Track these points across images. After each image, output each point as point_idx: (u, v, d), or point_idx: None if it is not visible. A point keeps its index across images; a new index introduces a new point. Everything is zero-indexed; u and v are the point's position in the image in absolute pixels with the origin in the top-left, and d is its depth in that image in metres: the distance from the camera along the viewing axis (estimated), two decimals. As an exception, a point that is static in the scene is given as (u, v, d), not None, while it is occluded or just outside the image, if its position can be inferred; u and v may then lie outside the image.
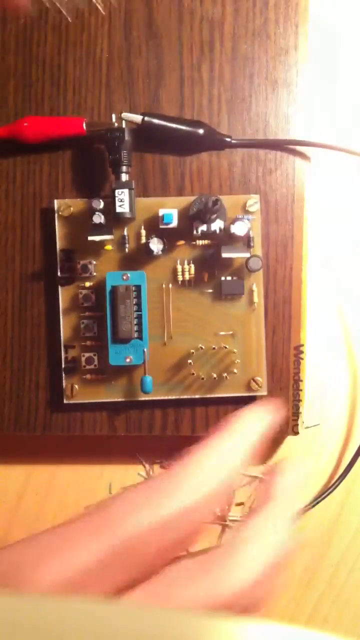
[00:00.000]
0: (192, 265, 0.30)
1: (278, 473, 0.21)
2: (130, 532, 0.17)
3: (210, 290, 0.30)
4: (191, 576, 0.18)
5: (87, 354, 0.29)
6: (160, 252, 0.29)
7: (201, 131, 0.30)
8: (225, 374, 0.30)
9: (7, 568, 0.17)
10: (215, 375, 0.30)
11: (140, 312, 0.29)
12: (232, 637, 0.13)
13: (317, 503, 0.33)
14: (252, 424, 0.21)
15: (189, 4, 0.30)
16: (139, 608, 0.15)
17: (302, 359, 0.31)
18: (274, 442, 0.33)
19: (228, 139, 0.30)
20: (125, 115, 0.29)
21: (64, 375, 0.30)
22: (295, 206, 0.30)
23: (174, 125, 0.29)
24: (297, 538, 0.20)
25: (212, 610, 0.18)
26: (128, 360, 0.29)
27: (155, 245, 0.29)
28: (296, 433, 0.31)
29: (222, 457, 0.20)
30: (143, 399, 0.30)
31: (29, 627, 0.12)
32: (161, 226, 0.29)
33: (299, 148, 0.30)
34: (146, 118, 0.29)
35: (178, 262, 0.30)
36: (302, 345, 0.31)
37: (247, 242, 0.29)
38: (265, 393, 0.30)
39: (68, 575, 0.17)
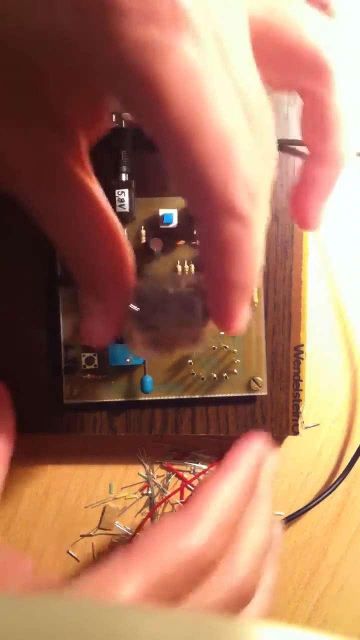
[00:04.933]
0: (192, 265, 0.30)
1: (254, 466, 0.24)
2: (164, 568, 0.19)
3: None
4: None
5: (87, 354, 0.29)
6: (160, 252, 0.29)
7: (201, 131, 0.30)
8: (225, 374, 0.30)
9: None
10: (215, 375, 0.30)
11: (140, 312, 0.29)
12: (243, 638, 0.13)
13: (317, 503, 0.33)
14: (254, 463, 0.23)
15: None
16: (149, 610, 0.15)
17: (302, 359, 0.31)
18: (274, 442, 0.33)
19: (228, 139, 0.30)
20: (125, 115, 0.29)
21: (64, 375, 0.30)
22: (295, 206, 0.30)
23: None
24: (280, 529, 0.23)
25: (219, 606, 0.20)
26: (128, 360, 0.29)
27: (155, 246, 0.29)
28: (296, 433, 0.31)
29: (229, 495, 0.22)
30: (143, 399, 0.30)
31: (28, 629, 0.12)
32: (161, 226, 0.29)
33: (299, 148, 0.30)
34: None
35: (178, 262, 0.30)
36: (302, 345, 0.31)
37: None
38: (265, 393, 0.30)
39: None
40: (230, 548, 0.22)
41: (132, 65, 0.16)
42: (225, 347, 0.30)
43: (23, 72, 0.18)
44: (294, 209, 0.24)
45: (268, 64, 0.20)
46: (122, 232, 0.21)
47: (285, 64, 0.20)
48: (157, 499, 0.33)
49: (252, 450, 0.24)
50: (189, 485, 0.33)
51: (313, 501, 0.33)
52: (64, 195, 0.20)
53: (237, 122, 0.17)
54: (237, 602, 0.22)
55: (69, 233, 0.21)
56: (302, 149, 0.30)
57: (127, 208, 0.28)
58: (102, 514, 0.33)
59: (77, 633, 0.12)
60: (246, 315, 0.20)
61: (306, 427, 0.33)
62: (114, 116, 0.29)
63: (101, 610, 0.13)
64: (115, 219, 0.21)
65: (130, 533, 0.33)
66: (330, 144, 0.22)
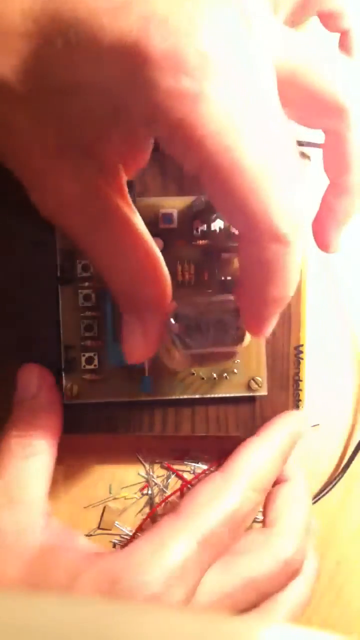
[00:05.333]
0: (192, 265, 0.30)
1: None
2: (210, 526, 0.23)
3: (211, 290, 0.30)
4: (257, 547, 0.25)
5: (87, 354, 0.29)
6: (160, 252, 0.29)
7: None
8: (225, 374, 0.30)
9: (118, 575, 0.22)
10: (215, 375, 0.30)
11: (140, 312, 0.29)
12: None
13: (316, 502, 0.33)
14: (289, 434, 0.28)
15: None
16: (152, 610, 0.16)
17: (302, 359, 0.31)
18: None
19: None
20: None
21: (64, 375, 0.30)
22: (295, 206, 0.30)
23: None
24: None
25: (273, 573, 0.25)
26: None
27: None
28: (296, 433, 0.31)
29: (263, 458, 0.27)
30: (143, 399, 0.30)
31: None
32: (161, 226, 0.29)
33: (298, 148, 0.30)
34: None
35: (178, 262, 0.30)
36: (302, 345, 0.31)
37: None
38: (265, 393, 0.30)
39: (173, 570, 0.22)
40: (277, 526, 0.26)
41: (168, 113, 0.18)
42: (225, 347, 0.30)
43: (70, 115, 0.20)
44: (315, 232, 0.26)
45: (292, 105, 0.21)
46: (161, 259, 0.23)
47: (308, 106, 0.22)
48: (157, 499, 0.33)
49: (290, 422, 0.29)
50: (189, 485, 0.33)
51: (313, 501, 0.33)
52: (107, 226, 0.22)
53: (271, 155, 0.18)
54: (286, 576, 0.25)
55: (113, 263, 0.23)
56: (302, 149, 0.30)
57: (127, 208, 0.28)
58: (102, 514, 0.33)
59: (77, 633, 0.12)
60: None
61: (306, 427, 0.33)
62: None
63: (104, 609, 0.13)
64: (155, 248, 0.23)
65: (130, 533, 0.33)
66: (349, 177, 0.24)
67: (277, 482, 0.29)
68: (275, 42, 0.21)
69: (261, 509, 0.29)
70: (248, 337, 0.24)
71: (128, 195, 0.23)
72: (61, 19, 0.18)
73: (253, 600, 0.24)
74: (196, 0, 0.18)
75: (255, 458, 0.27)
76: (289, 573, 0.25)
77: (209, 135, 0.18)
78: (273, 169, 0.18)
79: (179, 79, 0.17)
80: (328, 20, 0.23)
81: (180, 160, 0.19)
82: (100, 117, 0.20)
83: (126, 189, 0.23)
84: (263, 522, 0.28)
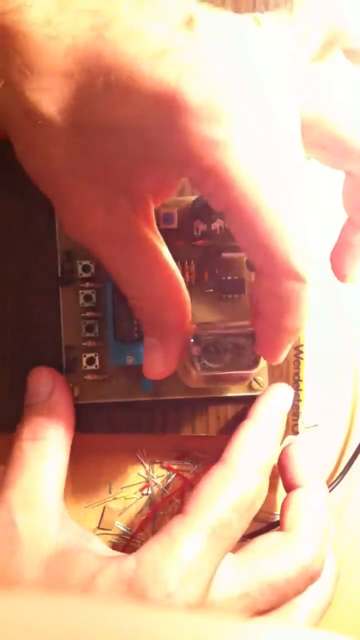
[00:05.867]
0: (193, 265, 0.30)
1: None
2: (217, 516, 0.24)
3: (211, 290, 0.30)
4: (276, 550, 0.26)
5: (88, 355, 0.29)
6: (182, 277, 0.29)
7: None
8: (225, 374, 0.30)
9: (133, 576, 0.23)
10: (215, 376, 0.30)
11: (141, 312, 0.29)
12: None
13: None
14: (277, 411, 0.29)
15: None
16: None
17: (302, 359, 0.31)
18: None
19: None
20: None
21: (65, 375, 0.30)
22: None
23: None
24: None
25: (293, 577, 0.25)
26: (129, 360, 0.29)
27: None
28: (296, 433, 0.31)
29: (259, 440, 0.27)
30: (143, 399, 0.30)
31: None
32: (161, 226, 0.29)
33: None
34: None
35: (178, 262, 0.30)
36: (302, 345, 0.31)
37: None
38: (265, 393, 0.30)
39: (186, 568, 0.23)
40: (296, 531, 0.27)
41: (201, 159, 0.19)
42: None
43: (105, 151, 0.21)
44: (333, 265, 0.27)
45: (315, 147, 0.23)
46: (183, 284, 0.25)
47: (330, 149, 0.23)
48: (157, 499, 0.33)
49: (279, 400, 0.29)
50: (189, 485, 0.33)
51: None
52: (136, 256, 0.23)
53: (291, 199, 0.20)
54: (304, 580, 0.25)
55: (140, 290, 0.24)
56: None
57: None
58: (102, 514, 0.33)
59: (77, 633, 0.12)
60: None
61: (306, 427, 0.33)
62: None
63: (105, 611, 0.13)
64: (177, 273, 0.24)
65: (130, 533, 0.33)
66: None
67: (293, 487, 0.29)
68: (301, 86, 0.22)
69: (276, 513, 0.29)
70: (263, 361, 0.25)
71: (155, 224, 0.24)
72: (103, 62, 0.19)
73: (271, 602, 0.25)
74: (227, 48, 0.20)
75: (251, 440, 0.27)
76: (307, 577, 0.25)
77: (236, 180, 0.19)
78: (292, 212, 0.20)
79: (212, 128, 0.19)
80: (353, 56, 0.24)
81: (207, 198, 0.21)
82: (134, 155, 0.21)
83: (154, 219, 0.24)
84: (281, 526, 0.28)
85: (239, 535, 0.25)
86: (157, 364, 0.25)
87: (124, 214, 0.22)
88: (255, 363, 0.25)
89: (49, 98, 0.20)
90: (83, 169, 0.21)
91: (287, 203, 0.20)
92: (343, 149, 0.23)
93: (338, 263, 0.27)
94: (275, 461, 0.29)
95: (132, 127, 0.20)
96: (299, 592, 0.26)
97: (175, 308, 0.24)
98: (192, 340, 0.25)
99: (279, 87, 0.20)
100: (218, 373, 0.25)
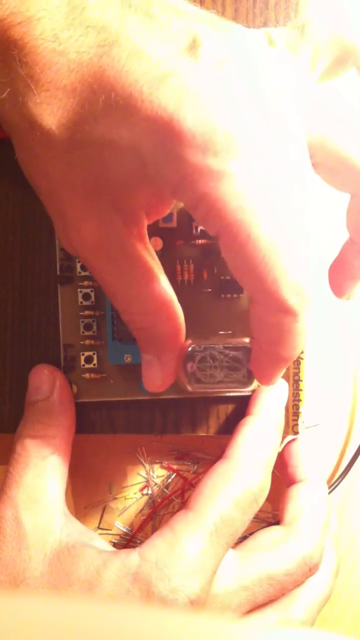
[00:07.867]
0: (192, 264, 0.30)
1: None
2: (219, 512, 0.24)
3: (210, 290, 0.30)
4: (275, 544, 0.26)
5: (86, 353, 0.29)
6: (160, 252, 0.29)
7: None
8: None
9: (137, 572, 0.23)
10: (215, 375, 0.30)
11: (139, 311, 0.29)
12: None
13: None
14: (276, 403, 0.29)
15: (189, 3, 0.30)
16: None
17: (302, 359, 0.31)
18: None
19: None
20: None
21: (63, 374, 0.30)
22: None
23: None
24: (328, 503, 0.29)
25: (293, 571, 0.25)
26: (127, 359, 0.29)
27: (155, 245, 0.29)
28: (296, 433, 0.31)
29: (259, 437, 0.28)
30: (143, 398, 0.30)
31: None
32: (161, 225, 0.29)
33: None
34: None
35: (178, 261, 0.30)
36: (302, 345, 0.31)
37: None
38: (265, 392, 0.30)
39: (189, 564, 0.23)
40: (295, 524, 0.27)
41: (193, 186, 0.19)
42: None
43: (101, 168, 0.21)
44: (330, 281, 0.27)
45: (321, 168, 0.23)
46: (174, 299, 0.24)
47: (336, 171, 0.23)
48: (157, 499, 0.33)
49: (278, 395, 0.29)
50: (189, 485, 0.33)
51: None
52: (128, 272, 0.23)
53: (287, 232, 0.20)
54: (303, 572, 0.26)
55: (132, 305, 0.24)
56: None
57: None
58: (102, 514, 0.33)
59: (77, 633, 0.12)
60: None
61: (306, 428, 0.33)
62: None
63: (104, 612, 0.13)
64: (170, 290, 0.24)
65: (130, 533, 0.33)
66: None
67: (292, 482, 0.30)
68: (308, 107, 0.22)
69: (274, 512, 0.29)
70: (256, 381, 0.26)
71: (147, 240, 0.24)
72: (106, 80, 0.20)
73: (271, 594, 0.25)
74: (230, 75, 0.20)
75: (253, 437, 0.27)
76: (306, 569, 0.26)
77: (228, 209, 0.19)
78: (286, 245, 0.20)
79: (206, 158, 0.19)
80: None
81: (201, 223, 0.21)
82: (129, 174, 0.21)
83: (146, 235, 0.24)
84: (280, 520, 0.28)
85: (241, 531, 0.25)
86: (154, 378, 0.26)
87: (117, 229, 0.22)
88: (249, 381, 0.26)
89: (50, 112, 0.20)
90: (78, 184, 0.21)
91: (284, 235, 0.20)
92: (349, 171, 0.23)
93: (337, 281, 0.27)
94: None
95: (128, 146, 0.20)
96: (297, 584, 0.26)
97: (168, 322, 0.24)
98: (186, 356, 0.25)
99: (284, 112, 0.20)
100: (211, 390, 0.26)
